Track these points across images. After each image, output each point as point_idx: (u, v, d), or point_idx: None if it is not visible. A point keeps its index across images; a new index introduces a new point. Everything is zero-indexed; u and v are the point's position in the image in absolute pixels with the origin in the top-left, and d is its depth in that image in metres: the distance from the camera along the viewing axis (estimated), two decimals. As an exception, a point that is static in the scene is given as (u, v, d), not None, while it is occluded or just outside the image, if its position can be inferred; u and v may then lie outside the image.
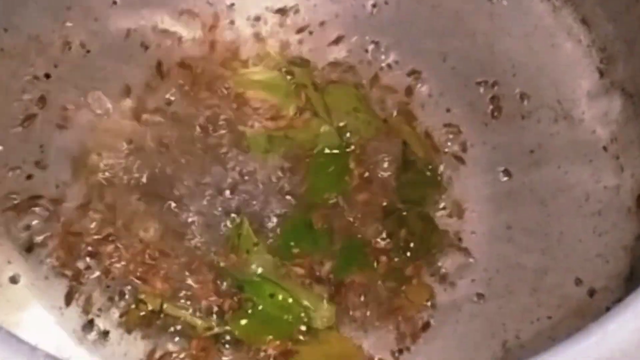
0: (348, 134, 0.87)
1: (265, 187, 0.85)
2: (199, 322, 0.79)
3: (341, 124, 0.87)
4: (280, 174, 0.85)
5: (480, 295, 0.83)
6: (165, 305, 0.79)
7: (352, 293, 0.82)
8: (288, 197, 0.85)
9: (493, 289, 0.83)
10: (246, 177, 0.85)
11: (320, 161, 0.86)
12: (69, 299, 0.80)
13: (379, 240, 0.84)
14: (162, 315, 0.79)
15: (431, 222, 0.85)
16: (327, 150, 0.87)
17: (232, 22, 0.92)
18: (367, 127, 0.88)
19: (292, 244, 0.83)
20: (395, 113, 0.89)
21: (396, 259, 0.83)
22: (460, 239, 0.85)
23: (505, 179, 0.87)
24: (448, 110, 0.89)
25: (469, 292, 0.83)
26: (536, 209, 0.86)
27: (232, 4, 0.92)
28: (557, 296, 0.82)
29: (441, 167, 0.87)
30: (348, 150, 0.87)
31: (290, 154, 0.86)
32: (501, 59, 0.90)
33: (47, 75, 0.88)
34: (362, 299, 0.82)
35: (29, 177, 0.84)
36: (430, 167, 0.87)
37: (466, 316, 0.82)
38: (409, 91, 0.90)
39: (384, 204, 0.85)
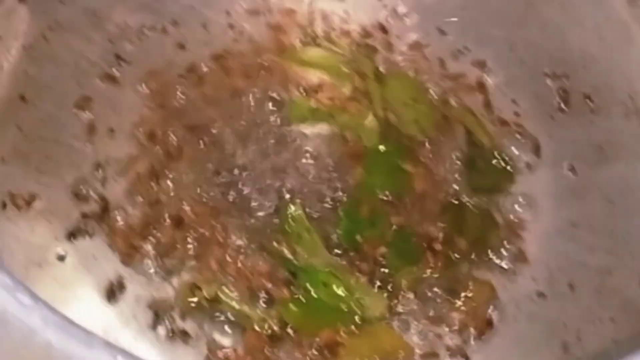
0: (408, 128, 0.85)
1: (316, 178, 0.83)
2: (252, 312, 0.77)
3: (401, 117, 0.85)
4: (331, 168, 0.83)
5: (541, 294, 0.80)
6: (220, 294, 0.77)
7: (405, 288, 0.80)
8: (339, 192, 0.83)
9: (555, 288, 0.81)
10: (298, 166, 0.83)
11: (375, 158, 0.84)
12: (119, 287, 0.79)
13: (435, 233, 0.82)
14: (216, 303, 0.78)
15: (491, 218, 0.82)
16: (382, 147, 0.84)
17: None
18: (426, 117, 0.86)
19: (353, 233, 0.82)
20: (458, 102, 0.87)
21: (452, 254, 0.81)
22: (521, 236, 0.82)
23: (572, 175, 0.84)
24: (514, 102, 0.86)
25: (530, 291, 0.81)
26: (603, 207, 0.83)
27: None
28: (621, 298, 0.79)
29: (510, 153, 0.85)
30: (405, 145, 0.85)
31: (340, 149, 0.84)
32: (572, 51, 0.87)
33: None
34: (416, 295, 0.80)
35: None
36: (498, 154, 0.85)
37: (526, 315, 0.80)
38: (475, 80, 0.87)
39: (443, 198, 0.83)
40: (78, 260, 0.79)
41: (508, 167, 0.85)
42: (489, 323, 0.79)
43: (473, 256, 0.81)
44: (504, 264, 0.81)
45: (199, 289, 0.78)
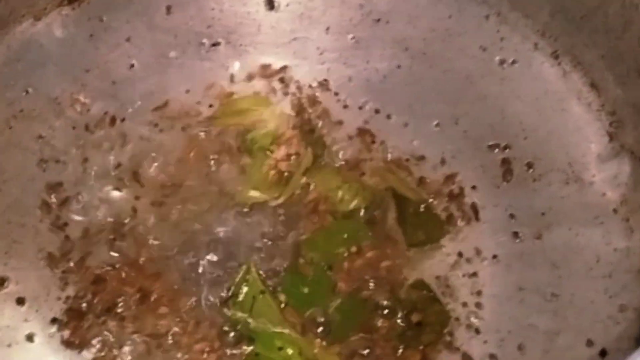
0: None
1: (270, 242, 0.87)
2: None
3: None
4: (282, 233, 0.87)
5: (492, 356, 0.83)
6: None
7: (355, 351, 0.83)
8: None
9: (505, 349, 0.84)
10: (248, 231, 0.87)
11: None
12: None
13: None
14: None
15: (443, 312, 0.85)
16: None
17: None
18: (360, 193, 0.89)
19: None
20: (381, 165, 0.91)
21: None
22: (471, 304, 0.86)
23: (517, 240, 0.87)
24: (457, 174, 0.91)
25: (482, 354, 0.83)
26: (547, 270, 0.86)
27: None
28: (569, 357, 0.83)
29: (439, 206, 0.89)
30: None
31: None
32: (512, 123, 0.92)
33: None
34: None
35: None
36: (424, 206, 0.88)
37: (478, 377, 0.83)
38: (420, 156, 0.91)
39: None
40: (47, 340, 0.81)
41: (439, 216, 0.89)
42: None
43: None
44: (456, 329, 0.84)
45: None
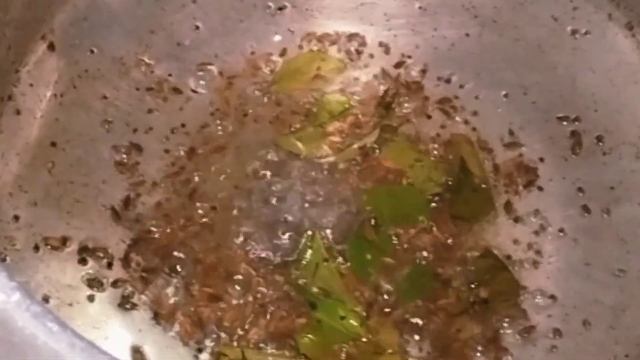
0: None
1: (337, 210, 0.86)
2: None
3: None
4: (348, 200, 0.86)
5: (556, 331, 0.82)
6: (246, 353, 0.80)
7: (416, 324, 0.82)
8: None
9: (570, 325, 0.82)
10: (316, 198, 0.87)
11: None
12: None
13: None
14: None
15: (513, 280, 0.84)
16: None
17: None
18: (435, 171, 0.87)
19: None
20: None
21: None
22: (536, 277, 0.84)
23: (585, 214, 0.86)
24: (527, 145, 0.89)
25: (546, 328, 0.82)
26: (615, 246, 0.85)
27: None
28: (635, 334, 0.81)
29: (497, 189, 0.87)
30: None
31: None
32: (583, 94, 0.90)
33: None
34: (424, 331, 0.82)
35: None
36: (484, 185, 0.87)
37: (542, 352, 0.81)
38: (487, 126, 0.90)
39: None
40: (108, 302, 0.81)
41: (491, 196, 0.87)
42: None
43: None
44: (521, 302, 0.83)
45: (225, 355, 0.80)
